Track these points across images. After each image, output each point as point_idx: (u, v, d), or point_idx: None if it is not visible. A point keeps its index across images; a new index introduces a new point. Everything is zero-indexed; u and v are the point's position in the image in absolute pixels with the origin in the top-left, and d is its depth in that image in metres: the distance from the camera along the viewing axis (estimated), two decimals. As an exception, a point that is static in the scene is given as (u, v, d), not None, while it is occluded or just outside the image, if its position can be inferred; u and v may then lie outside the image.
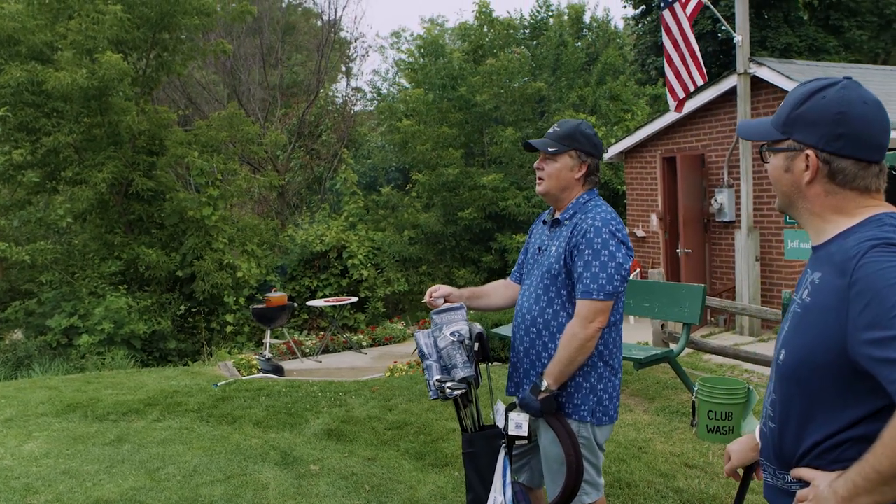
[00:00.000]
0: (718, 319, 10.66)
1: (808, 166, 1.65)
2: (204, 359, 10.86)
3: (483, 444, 3.09)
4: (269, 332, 10.28)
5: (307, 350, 10.82)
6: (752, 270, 9.81)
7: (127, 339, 11.43)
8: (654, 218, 12.00)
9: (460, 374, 2.94)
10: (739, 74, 9.68)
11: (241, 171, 18.15)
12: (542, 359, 2.97)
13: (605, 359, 2.95)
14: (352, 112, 22.72)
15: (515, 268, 3.33)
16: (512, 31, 17.88)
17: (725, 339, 9.37)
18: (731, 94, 10.08)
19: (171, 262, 12.60)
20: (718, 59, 18.26)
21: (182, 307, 12.71)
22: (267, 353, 9.90)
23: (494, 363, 7.65)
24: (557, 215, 3.04)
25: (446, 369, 3.06)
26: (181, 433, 6.03)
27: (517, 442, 3.01)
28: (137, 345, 11.64)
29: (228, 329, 12.70)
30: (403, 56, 17.23)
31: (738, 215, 10.18)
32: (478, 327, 3.09)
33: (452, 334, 3.07)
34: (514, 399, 3.07)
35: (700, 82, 9.08)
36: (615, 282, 2.83)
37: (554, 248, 2.98)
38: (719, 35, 18.16)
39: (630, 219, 12.73)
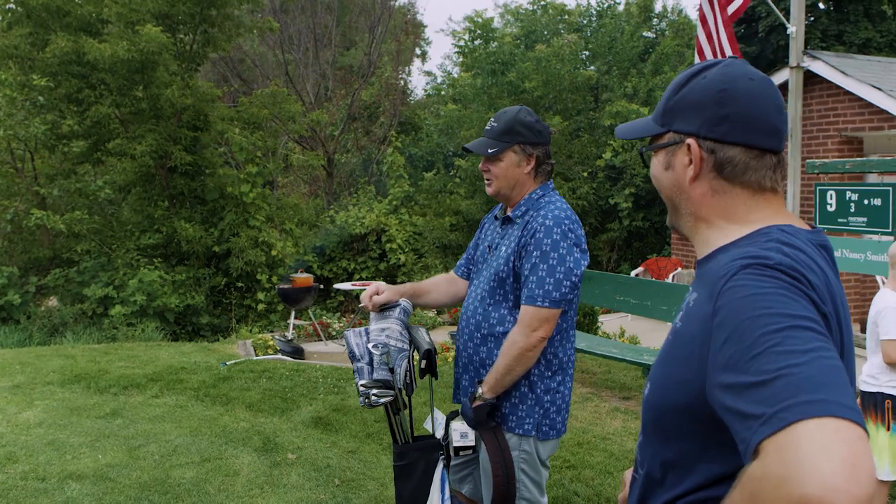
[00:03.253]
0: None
1: (691, 160, 1.36)
2: (233, 336, 10.88)
3: (417, 457, 2.88)
4: (293, 313, 10.23)
5: (334, 333, 10.74)
6: (795, 276, 9.29)
7: (160, 312, 11.54)
8: (698, 215, 11.52)
9: (377, 374, 2.73)
10: (791, 68, 9.11)
11: (292, 148, 18.26)
12: (486, 366, 2.74)
13: (554, 369, 2.71)
14: (408, 95, 22.61)
15: (462, 261, 3.10)
16: (566, 17, 17.40)
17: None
18: (783, 89, 9.55)
19: (208, 238, 12.67)
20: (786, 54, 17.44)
21: (215, 283, 12.78)
22: (289, 334, 9.85)
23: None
24: (509, 212, 2.80)
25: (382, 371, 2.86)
26: (174, 411, 5.98)
27: (461, 452, 2.79)
28: (170, 318, 11.74)
29: (260, 307, 12.73)
30: (453, 39, 16.95)
31: (783, 217, 9.66)
32: (425, 338, 2.85)
33: (384, 332, 2.86)
34: (459, 407, 2.86)
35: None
36: (563, 288, 2.58)
37: (503, 249, 2.74)
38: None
39: (674, 215, 12.24)
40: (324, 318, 11.40)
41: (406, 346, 2.85)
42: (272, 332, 10.98)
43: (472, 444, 2.73)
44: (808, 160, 7.35)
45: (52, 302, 11.66)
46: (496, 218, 2.90)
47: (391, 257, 14.74)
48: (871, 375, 4.10)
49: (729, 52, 8.41)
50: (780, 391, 0.98)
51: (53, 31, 11.45)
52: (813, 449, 0.91)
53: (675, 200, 1.43)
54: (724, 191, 1.35)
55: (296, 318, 10.40)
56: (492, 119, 2.80)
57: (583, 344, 6.92)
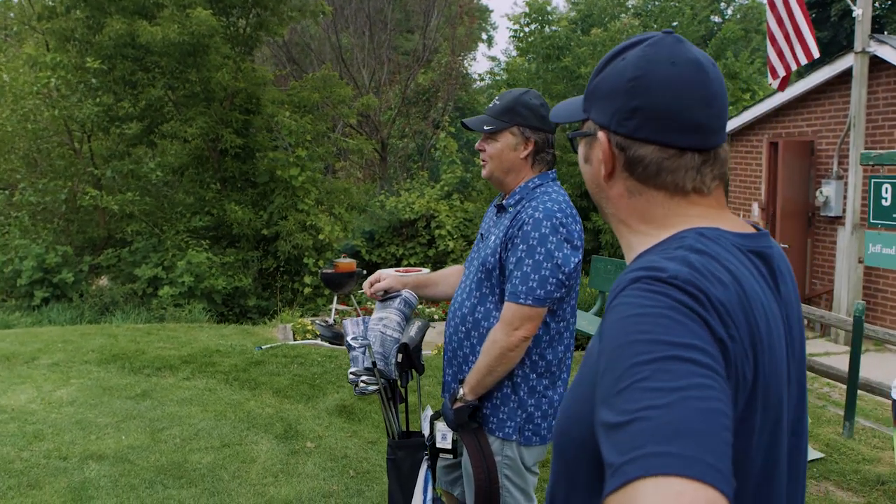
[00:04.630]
0: (814, 323, 9.73)
1: (603, 155, 1.16)
2: (276, 319, 10.94)
3: (403, 455, 2.75)
4: (335, 298, 10.20)
5: (377, 318, 10.68)
6: (854, 273, 8.84)
7: (207, 294, 11.68)
8: (755, 207, 11.07)
9: (367, 362, 2.62)
10: (857, 53, 8.64)
11: (348, 132, 18.28)
12: (469, 362, 2.58)
13: (540, 371, 2.52)
14: (469, 80, 22.37)
15: (470, 253, 2.94)
16: (628, 2, 16.92)
17: (815, 346, 8.51)
18: (848, 75, 9.05)
19: (258, 221, 12.76)
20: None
21: (263, 265, 12.87)
22: (331, 319, 9.83)
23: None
24: (504, 201, 2.63)
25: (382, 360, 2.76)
26: (202, 394, 5.99)
27: (442, 455, 2.66)
28: (218, 299, 11.88)
29: (307, 291, 12.78)
30: (511, 24, 16.63)
31: (845, 210, 9.20)
32: (410, 332, 2.73)
33: (382, 321, 2.76)
34: None
35: (804, 61, 8.17)
36: (549, 286, 2.39)
37: (493, 238, 2.57)
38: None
39: (732, 207, 11.83)
40: (368, 304, 11.36)
41: (402, 337, 2.75)
42: (316, 316, 10.99)
43: (450, 446, 2.61)
44: (863, 151, 6.94)
45: (104, 281, 11.91)
46: (494, 206, 2.74)
47: (440, 243, 14.63)
48: None
49: (807, 35, 8.03)
50: (633, 438, 0.79)
51: (109, 14, 11.62)
52: None
53: (596, 198, 1.23)
54: (639, 192, 1.14)
55: (339, 302, 10.37)
56: (496, 97, 2.63)
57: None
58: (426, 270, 11.91)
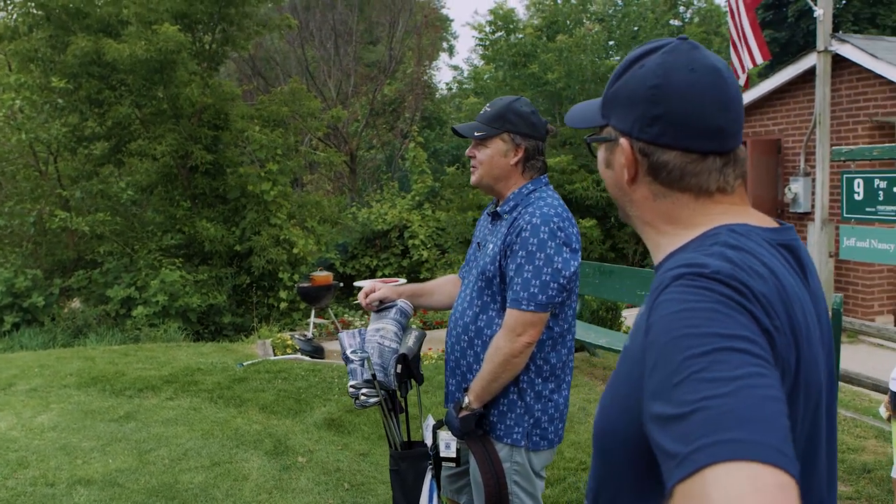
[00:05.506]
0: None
1: (626, 161, 1.20)
2: (254, 335, 10.86)
3: (407, 466, 2.76)
4: (313, 312, 10.16)
5: (356, 330, 10.64)
6: (826, 267, 9.00)
7: (182, 312, 11.55)
8: (725, 206, 11.27)
9: (367, 374, 2.63)
10: (819, 52, 8.82)
11: (315, 146, 18.22)
12: (473, 371, 2.60)
13: (545, 375, 2.55)
14: (433, 90, 22.45)
15: (464, 262, 2.97)
16: (590, 7, 17.12)
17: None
18: (811, 74, 9.25)
19: (230, 237, 12.66)
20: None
21: (237, 282, 12.77)
22: (309, 333, 9.79)
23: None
24: (498, 208, 2.65)
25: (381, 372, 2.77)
26: (187, 413, 5.93)
27: (445, 464, 2.68)
28: (193, 318, 11.75)
29: (283, 306, 12.69)
30: (476, 33, 16.76)
31: (813, 206, 9.38)
32: (408, 342, 2.74)
33: (379, 332, 2.77)
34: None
35: (759, 60, 8.34)
36: (550, 291, 2.42)
37: (491, 247, 2.60)
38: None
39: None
40: (345, 315, 11.33)
41: (400, 347, 2.77)
42: (293, 330, 10.93)
43: (454, 455, 2.62)
44: (834, 147, 7.10)
45: (76, 304, 11.73)
46: (489, 214, 2.77)
47: (414, 253, 14.64)
48: None
49: (751, 39, 8.19)
50: (697, 427, 0.82)
51: (73, 32, 11.48)
52: (720, 500, 0.76)
53: (620, 202, 1.28)
54: (664, 195, 1.19)
55: (317, 316, 10.33)
56: (487, 104, 2.66)
57: (604, 340, 6.75)
58: (402, 280, 11.90)
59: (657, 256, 1.21)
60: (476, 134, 2.57)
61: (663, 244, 1.20)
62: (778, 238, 1.14)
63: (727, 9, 8.72)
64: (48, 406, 6.21)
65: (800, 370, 1.02)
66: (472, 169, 2.66)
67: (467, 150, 2.66)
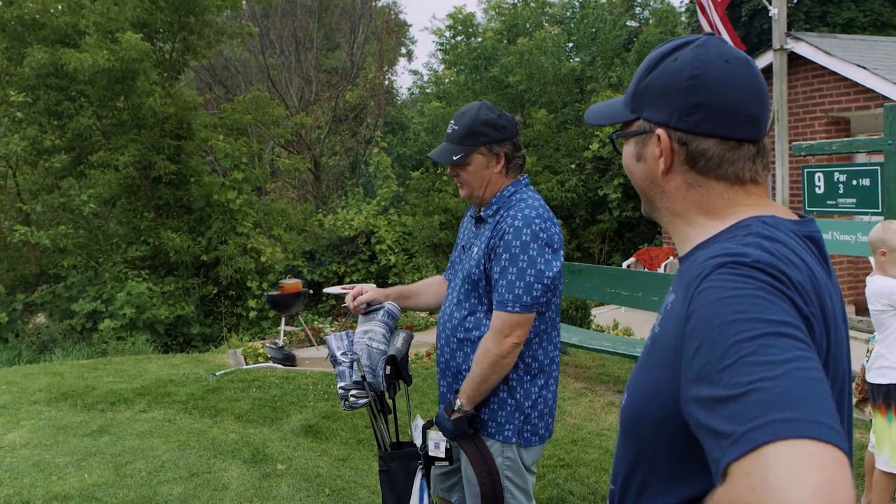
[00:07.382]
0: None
1: (661, 151, 1.24)
2: (224, 345, 10.78)
3: (396, 466, 2.79)
4: (283, 320, 10.12)
5: (326, 337, 10.62)
6: (787, 260, 9.22)
7: (149, 324, 11.42)
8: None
9: (356, 375, 2.66)
10: (775, 50, 9.03)
11: (279, 153, 18.13)
12: (463, 372, 2.64)
13: (534, 372, 2.61)
14: (394, 95, 22.45)
15: (449, 264, 3.01)
16: (548, 10, 17.30)
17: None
18: (768, 72, 9.47)
19: (196, 247, 12.55)
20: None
21: (205, 292, 12.66)
22: (280, 341, 9.75)
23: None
24: (481, 212, 2.70)
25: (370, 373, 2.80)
26: (162, 425, 5.87)
27: (437, 463, 2.71)
28: (161, 329, 11.63)
29: (252, 314, 12.62)
30: (435, 37, 16.81)
31: (774, 201, 9.59)
32: (396, 343, 2.78)
33: (367, 334, 2.80)
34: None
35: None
36: (535, 291, 2.47)
37: (475, 250, 2.65)
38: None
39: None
40: (315, 322, 11.30)
41: (388, 349, 2.80)
42: (264, 339, 10.87)
43: (443, 454, 2.66)
44: (794, 143, 7.29)
45: (41, 319, 11.54)
46: (472, 217, 2.81)
47: (381, 258, 14.64)
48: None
49: (725, 35, 8.35)
50: (752, 408, 0.87)
51: (30, 44, 11.31)
52: (782, 475, 0.81)
53: (648, 194, 1.32)
54: (699, 184, 1.23)
55: (286, 324, 10.29)
56: (452, 122, 2.68)
57: (575, 338, 6.84)
58: (371, 285, 11.86)
59: (684, 247, 1.26)
60: (454, 158, 2.60)
61: (692, 235, 1.25)
62: (803, 230, 1.20)
63: (696, 5, 8.86)
64: (18, 423, 6.11)
65: (829, 356, 1.10)
66: (459, 186, 2.70)
67: (448, 171, 2.70)
